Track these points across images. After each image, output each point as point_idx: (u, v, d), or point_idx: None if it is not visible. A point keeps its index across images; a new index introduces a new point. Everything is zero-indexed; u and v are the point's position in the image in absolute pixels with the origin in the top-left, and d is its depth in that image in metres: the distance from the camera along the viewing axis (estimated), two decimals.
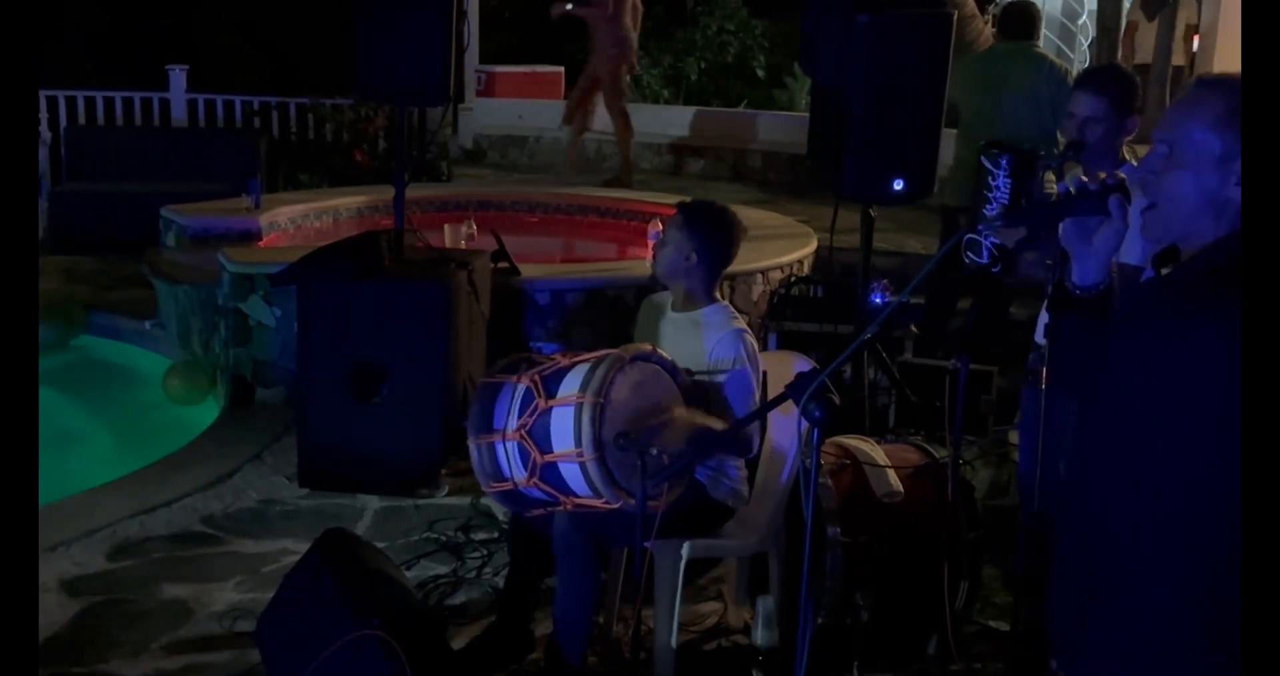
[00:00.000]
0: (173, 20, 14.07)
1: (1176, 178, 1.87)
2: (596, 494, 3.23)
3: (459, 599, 4.11)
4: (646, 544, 3.14)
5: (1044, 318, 3.37)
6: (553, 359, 3.46)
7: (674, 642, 3.56)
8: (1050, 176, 4.14)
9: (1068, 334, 2.14)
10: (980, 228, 3.26)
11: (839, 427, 4.00)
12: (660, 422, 3.23)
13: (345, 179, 10.20)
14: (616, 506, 3.23)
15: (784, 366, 3.74)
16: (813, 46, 4.99)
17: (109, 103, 10.94)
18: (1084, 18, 13.14)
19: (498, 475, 3.37)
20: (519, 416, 3.31)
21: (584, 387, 3.22)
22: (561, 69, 13.66)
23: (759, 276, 6.53)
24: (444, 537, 4.57)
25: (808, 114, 5.39)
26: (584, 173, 10.91)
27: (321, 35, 12.89)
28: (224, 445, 5.46)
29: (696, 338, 3.59)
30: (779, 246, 6.98)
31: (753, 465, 3.81)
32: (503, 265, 5.99)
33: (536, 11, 10.74)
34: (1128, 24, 11.37)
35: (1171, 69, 10.58)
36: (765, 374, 3.71)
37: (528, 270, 6.15)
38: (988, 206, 3.51)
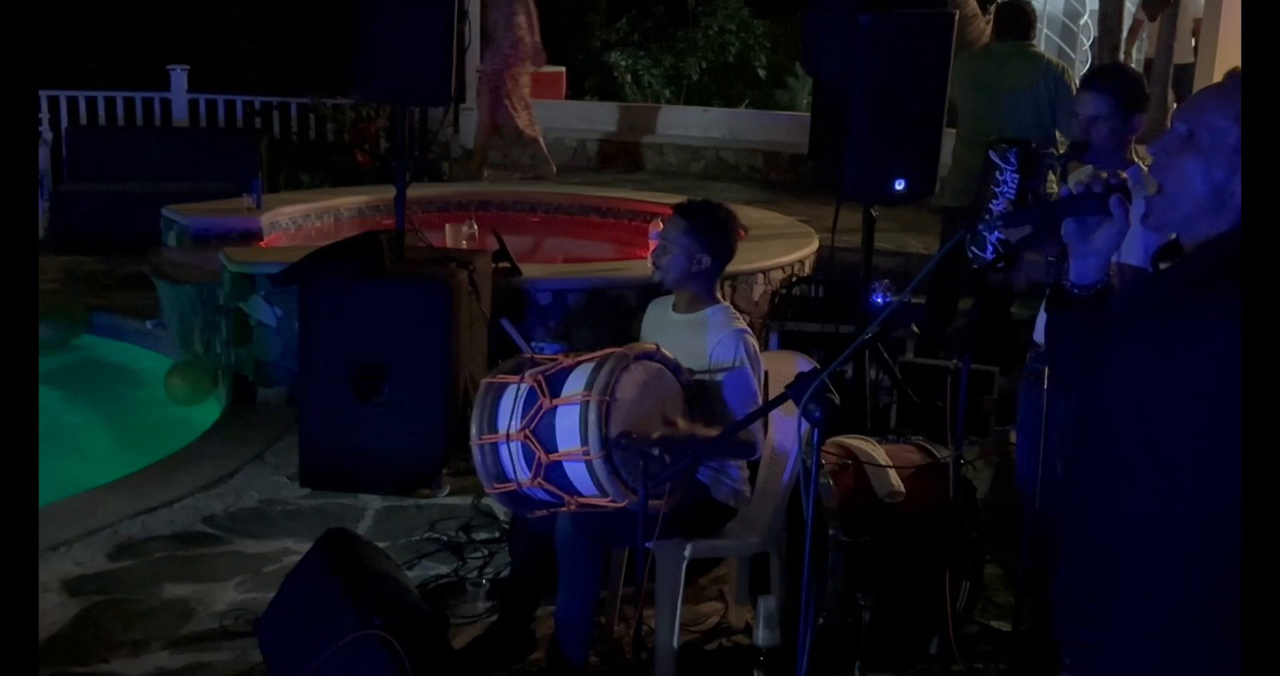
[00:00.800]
0: (174, 20, 14.08)
1: (1188, 161, 1.88)
2: (603, 492, 3.22)
3: (460, 599, 4.11)
4: (648, 544, 3.14)
5: (1043, 317, 3.37)
6: (555, 359, 3.45)
7: (675, 642, 3.56)
8: (1052, 176, 4.13)
9: (1065, 332, 2.15)
10: (981, 227, 3.27)
11: (840, 427, 4.00)
12: (664, 435, 3.22)
13: (346, 179, 10.21)
14: (622, 505, 3.22)
15: (785, 366, 3.74)
16: (814, 46, 4.99)
17: (110, 102, 10.95)
18: (1085, 17, 13.12)
19: (501, 476, 3.37)
20: (523, 416, 3.30)
21: (589, 386, 3.21)
22: (563, 69, 13.67)
23: (760, 276, 6.53)
24: (445, 537, 4.57)
25: (809, 114, 5.38)
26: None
27: (323, 35, 12.92)
28: (225, 445, 5.47)
29: (699, 338, 3.58)
30: (780, 246, 6.98)
31: (754, 465, 3.80)
32: (504, 265, 5.99)
33: (537, 11, 10.80)
34: (1133, 23, 11.38)
35: (1174, 68, 10.58)
36: (767, 374, 3.70)
37: (529, 270, 6.15)
38: (994, 202, 3.50)
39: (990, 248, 3.35)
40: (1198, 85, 9.62)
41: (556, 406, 3.26)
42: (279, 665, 3.41)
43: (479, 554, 4.43)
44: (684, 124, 12.34)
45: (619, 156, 12.18)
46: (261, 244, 7.23)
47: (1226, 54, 9.65)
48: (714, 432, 3.35)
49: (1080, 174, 3.78)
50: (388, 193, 5.91)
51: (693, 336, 3.60)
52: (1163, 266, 1.99)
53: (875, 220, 5.09)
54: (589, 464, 3.18)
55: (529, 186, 9.84)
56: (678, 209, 3.72)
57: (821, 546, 3.52)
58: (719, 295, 3.74)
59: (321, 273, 5.00)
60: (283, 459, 5.27)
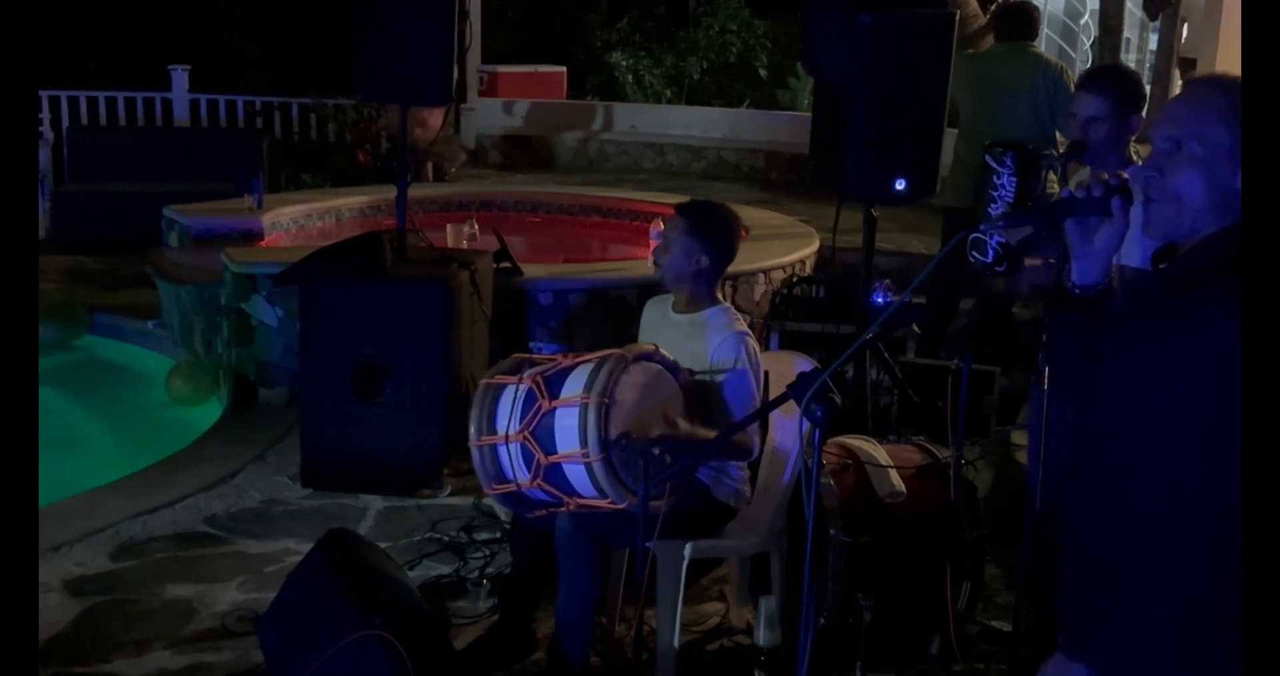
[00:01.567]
0: (175, 20, 14.08)
1: (1186, 176, 1.88)
2: (602, 494, 3.22)
3: (461, 599, 4.11)
4: (649, 544, 3.14)
5: None
6: (554, 359, 3.45)
7: (676, 643, 3.55)
8: (1052, 177, 4.13)
9: (1064, 332, 2.15)
10: (983, 227, 3.26)
11: (841, 427, 3.99)
12: (663, 436, 3.21)
13: (347, 179, 10.21)
14: (621, 506, 3.22)
15: (786, 366, 3.74)
16: (814, 46, 4.99)
17: (111, 103, 10.94)
18: (1086, 17, 13.13)
19: (500, 477, 3.37)
20: (521, 418, 3.29)
21: (588, 388, 3.20)
22: (564, 69, 13.68)
23: (761, 276, 6.53)
24: (446, 538, 4.57)
25: (810, 114, 5.38)
26: (583, 173, 11.00)
27: (323, 35, 12.92)
28: (227, 445, 5.46)
29: (699, 339, 3.58)
30: (781, 246, 6.98)
31: (755, 465, 3.80)
32: (505, 265, 5.99)
33: (539, 11, 10.78)
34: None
35: (1181, 62, 10.57)
36: (767, 374, 3.70)
37: (530, 270, 6.15)
38: (993, 205, 3.51)
39: (991, 251, 3.35)
40: None
41: (555, 408, 3.25)
42: (280, 665, 3.41)
43: (480, 554, 4.43)
44: (686, 124, 12.34)
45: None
46: (263, 244, 7.23)
47: (1227, 54, 9.64)
48: (712, 434, 3.35)
49: (1080, 175, 3.78)
50: (389, 193, 5.92)
51: (692, 336, 3.60)
52: (1162, 266, 1.99)
53: (876, 220, 5.09)
54: (588, 466, 3.18)
55: (531, 186, 9.84)
56: (679, 208, 3.73)
57: (822, 546, 3.52)
58: (719, 295, 3.74)
59: (323, 273, 5.00)
60: (284, 459, 5.27)
